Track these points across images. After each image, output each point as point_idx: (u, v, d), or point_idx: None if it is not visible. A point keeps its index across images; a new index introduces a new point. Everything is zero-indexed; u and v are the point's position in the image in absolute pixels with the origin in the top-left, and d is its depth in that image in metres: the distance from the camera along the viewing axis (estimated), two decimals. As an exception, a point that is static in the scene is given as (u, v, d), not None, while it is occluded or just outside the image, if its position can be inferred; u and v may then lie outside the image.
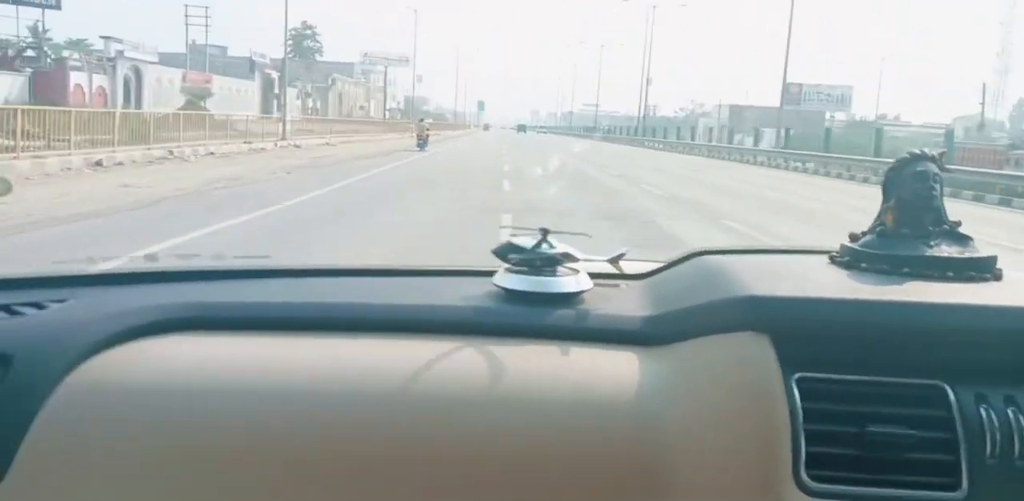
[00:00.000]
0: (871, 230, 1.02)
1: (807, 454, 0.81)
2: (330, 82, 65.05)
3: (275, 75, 48.29)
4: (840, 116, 66.91)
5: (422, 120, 37.56)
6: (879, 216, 1.02)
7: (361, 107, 70.29)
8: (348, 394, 0.85)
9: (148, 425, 0.84)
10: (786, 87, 48.80)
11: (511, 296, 1.01)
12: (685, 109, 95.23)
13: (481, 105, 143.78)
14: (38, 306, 0.98)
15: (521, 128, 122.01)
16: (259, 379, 0.87)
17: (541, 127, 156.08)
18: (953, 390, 0.83)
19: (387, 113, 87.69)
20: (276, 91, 46.99)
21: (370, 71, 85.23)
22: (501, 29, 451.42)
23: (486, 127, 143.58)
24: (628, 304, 1.01)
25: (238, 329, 0.95)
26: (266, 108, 47.12)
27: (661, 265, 1.14)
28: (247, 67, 50.87)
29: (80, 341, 0.89)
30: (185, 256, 1.54)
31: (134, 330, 0.92)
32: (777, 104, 48.35)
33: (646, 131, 74.14)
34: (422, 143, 32.42)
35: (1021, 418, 0.81)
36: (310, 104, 61.44)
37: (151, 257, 1.87)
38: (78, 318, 0.95)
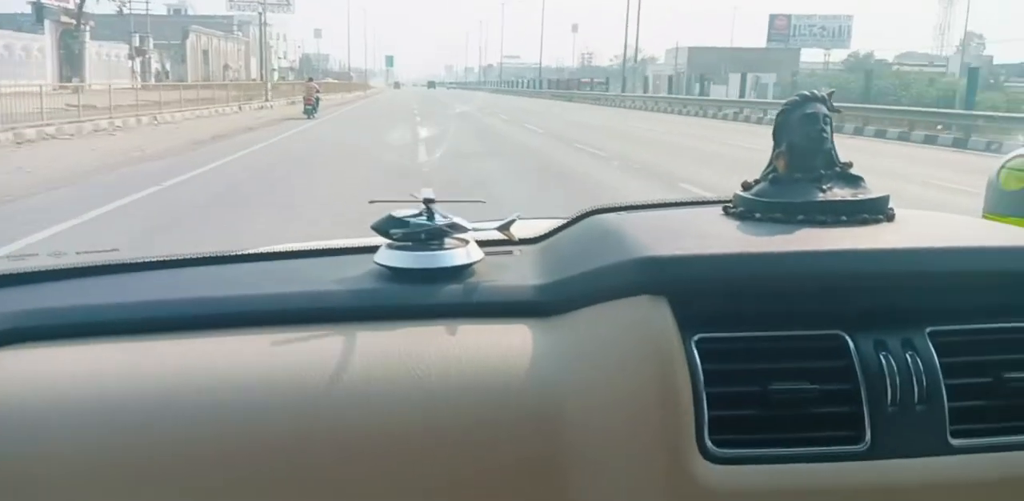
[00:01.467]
0: (763, 177, 0.99)
1: (710, 418, 0.79)
2: (185, 36, 51.92)
3: (84, 28, 35.17)
4: (839, 54, 57.60)
5: (310, 79, 29.71)
6: (770, 162, 0.99)
7: (227, 66, 56.66)
8: (220, 397, 0.78)
9: None
10: (771, 21, 38.67)
11: (396, 274, 0.93)
12: (619, 57, 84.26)
13: (390, 61, 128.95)
14: None
15: (431, 84, 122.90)
16: (111, 392, 0.78)
17: (451, 83, 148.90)
18: (853, 339, 0.83)
19: (274, 73, 74.61)
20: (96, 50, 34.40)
21: (249, 23, 71.72)
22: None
23: (396, 85, 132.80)
24: (521, 273, 0.96)
25: (86, 336, 0.85)
26: (68, 73, 34.07)
27: (554, 228, 1.09)
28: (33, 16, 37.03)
29: None
30: (18, 257, 1.23)
31: None
32: (751, 45, 38.09)
33: (578, 84, 63.99)
34: (310, 109, 25.36)
35: (919, 362, 0.81)
36: (156, 66, 48.29)
37: None
38: None
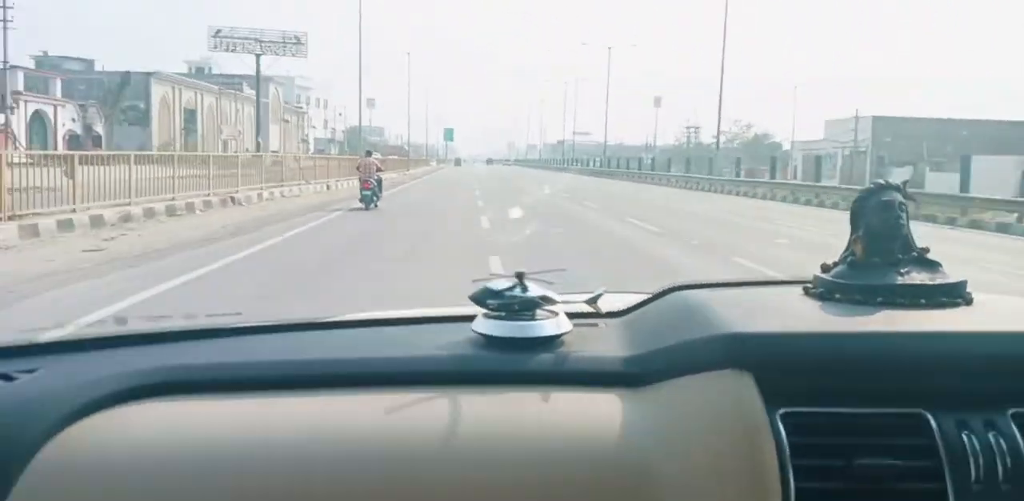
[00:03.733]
0: (842, 260, 1.03)
1: (796, 490, 0.81)
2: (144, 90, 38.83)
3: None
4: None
5: (369, 153, 21.78)
6: (848, 246, 1.03)
7: (227, 136, 43.37)
8: (333, 453, 0.83)
9: (128, 497, 0.81)
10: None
11: (491, 342, 0.99)
12: (726, 132, 69.86)
13: (449, 134, 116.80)
14: (6, 378, 0.94)
15: (489, 161, 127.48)
16: (240, 442, 0.85)
17: (506, 160, 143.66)
18: (935, 417, 0.85)
19: (305, 145, 62.38)
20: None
21: (281, 83, 59.84)
22: (468, 58, 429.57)
23: (457, 162, 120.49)
24: (609, 344, 1.00)
25: (214, 391, 0.93)
26: None
27: (638, 302, 1.13)
28: None
29: (52, 412, 0.86)
30: (156, 317, 1.37)
31: (108, 398, 0.89)
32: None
33: (661, 165, 50.06)
34: (368, 195, 18.27)
35: (1002, 442, 0.83)
36: (70, 128, 34.92)
37: (121, 320, 1.66)
38: (49, 388, 0.91)
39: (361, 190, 18.60)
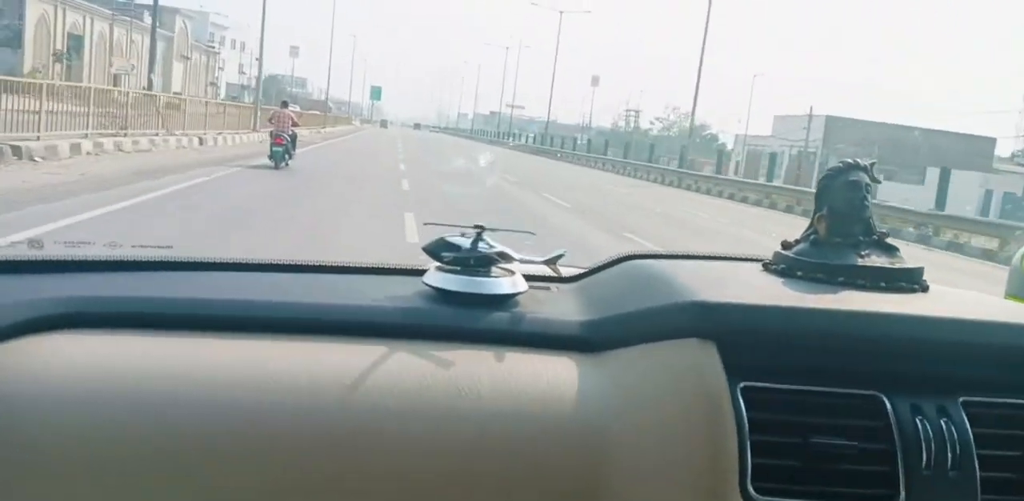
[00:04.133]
0: (804, 238, 1.04)
1: (753, 465, 0.81)
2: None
3: None
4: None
5: (284, 104, 18.57)
6: (811, 224, 1.03)
7: (117, 69, 37.42)
8: (262, 402, 0.79)
9: (24, 435, 0.76)
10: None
11: (442, 296, 0.97)
12: (663, 120, 66.97)
13: (376, 93, 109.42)
14: None
15: (416, 126, 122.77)
16: (162, 384, 0.80)
17: (434, 127, 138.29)
18: (890, 401, 0.86)
19: (215, 90, 56.67)
20: None
21: (190, 17, 53.74)
22: (397, 15, 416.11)
23: (383, 123, 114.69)
24: (565, 307, 0.99)
25: (133, 327, 0.87)
26: None
27: (592, 267, 1.12)
28: None
29: None
30: (74, 244, 1.23)
31: (15, 327, 0.84)
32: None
33: (597, 147, 47.26)
34: (279, 152, 15.72)
35: (953, 429, 0.84)
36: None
37: (36, 243, 1.38)
38: None
39: (272, 145, 16.12)
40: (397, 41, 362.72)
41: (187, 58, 54.06)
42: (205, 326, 0.88)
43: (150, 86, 27.40)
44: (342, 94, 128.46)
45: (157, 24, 46.77)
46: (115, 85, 36.03)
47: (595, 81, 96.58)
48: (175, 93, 46.55)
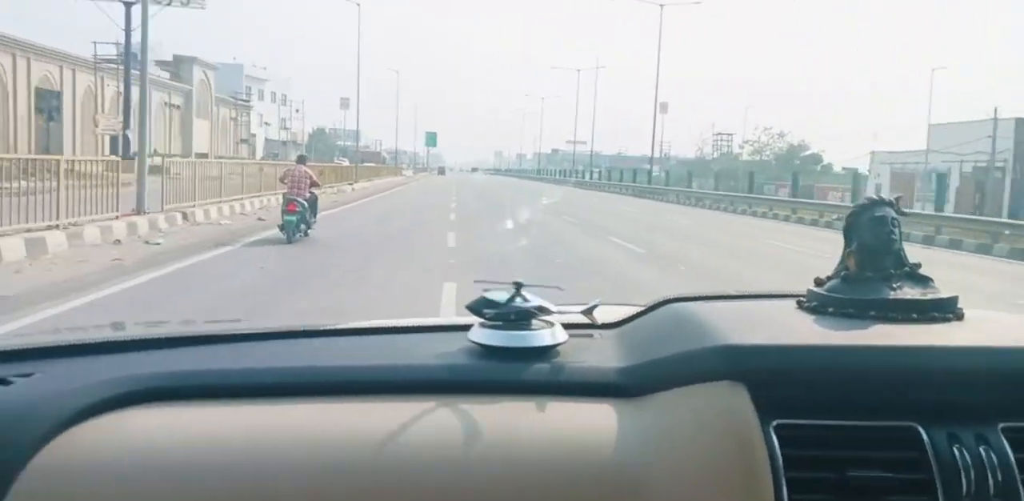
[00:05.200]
0: (835, 274, 1.04)
1: None
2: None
3: None
4: None
5: (302, 160, 13.92)
6: (842, 260, 1.05)
7: (104, 128, 30.38)
8: (328, 461, 0.84)
9: None
10: None
11: (487, 352, 1.00)
12: (753, 142, 57.88)
13: (431, 138, 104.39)
14: (3, 382, 0.94)
15: (474, 170, 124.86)
16: (234, 449, 0.85)
17: (492, 169, 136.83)
18: (926, 431, 0.86)
19: (246, 146, 51.52)
20: None
21: (214, 69, 48.57)
22: (456, 60, 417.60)
23: (441, 170, 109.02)
24: (603, 355, 1.01)
25: (211, 397, 0.93)
26: None
27: (633, 313, 1.14)
28: None
29: (48, 417, 0.86)
30: (154, 323, 1.33)
31: (104, 403, 0.89)
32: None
33: (678, 179, 39.37)
34: (294, 221, 12.15)
35: (993, 456, 0.84)
36: None
37: (118, 325, 1.49)
38: (46, 392, 0.91)
39: (283, 213, 12.38)
40: (452, 88, 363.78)
41: (231, 119, 48.73)
42: (271, 393, 0.92)
43: (123, 147, 21.01)
44: (401, 144, 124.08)
45: (159, 74, 41.43)
46: (98, 147, 29.90)
47: (664, 108, 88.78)
48: (199, 154, 41.12)
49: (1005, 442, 0.85)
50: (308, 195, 12.75)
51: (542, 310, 1.02)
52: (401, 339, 1.13)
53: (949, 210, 25.58)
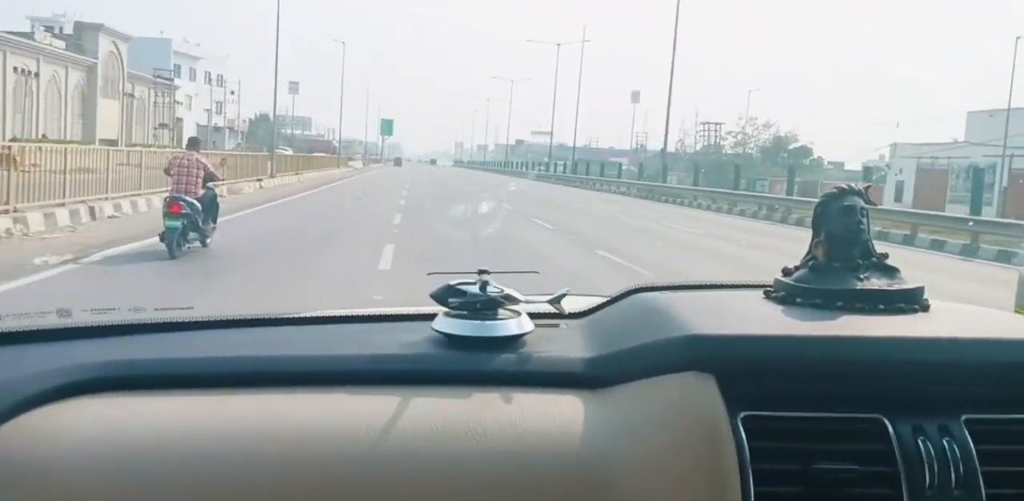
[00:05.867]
0: (803, 264, 1.04)
1: (756, 494, 0.82)
2: None
3: None
4: None
5: (194, 144, 10.32)
6: (810, 250, 1.05)
7: None
8: (286, 454, 0.82)
9: (68, 497, 0.79)
10: None
11: (452, 341, 0.99)
12: (736, 134, 52.57)
13: (387, 126, 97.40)
14: None
15: (433, 162, 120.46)
16: (186, 442, 0.83)
17: (458, 161, 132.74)
18: (892, 423, 0.86)
19: (166, 132, 45.16)
20: None
21: (125, 39, 42.16)
22: (408, 45, 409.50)
23: (398, 161, 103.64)
24: (570, 345, 1.01)
25: (162, 387, 0.90)
26: None
27: (600, 302, 1.13)
28: None
29: None
30: (101, 310, 1.29)
31: (50, 393, 0.87)
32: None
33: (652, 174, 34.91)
34: (176, 228, 8.68)
35: (956, 448, 0.85)
36: None
37: (64, 312, 1.43)
38: None
39: (165, 216, 8.84)
40: (409, 75, 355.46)
41: (130, 95, 42.03)
42: (225, 383, 0.90)
43: None
44: (356, 133, 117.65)
45: (52, 43, 35.06)
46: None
47: (635, 97, 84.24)
48: (106, 140, 34.90)
49: (967, 434, 0.86)
50: (202, 192, 9.50)
51: (508, 299, 1.01)
52: (363, 328, 1.11)
53: (991, 214, 20.96)
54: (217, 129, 60.08)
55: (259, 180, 25.22)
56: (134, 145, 35.33)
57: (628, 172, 45.93)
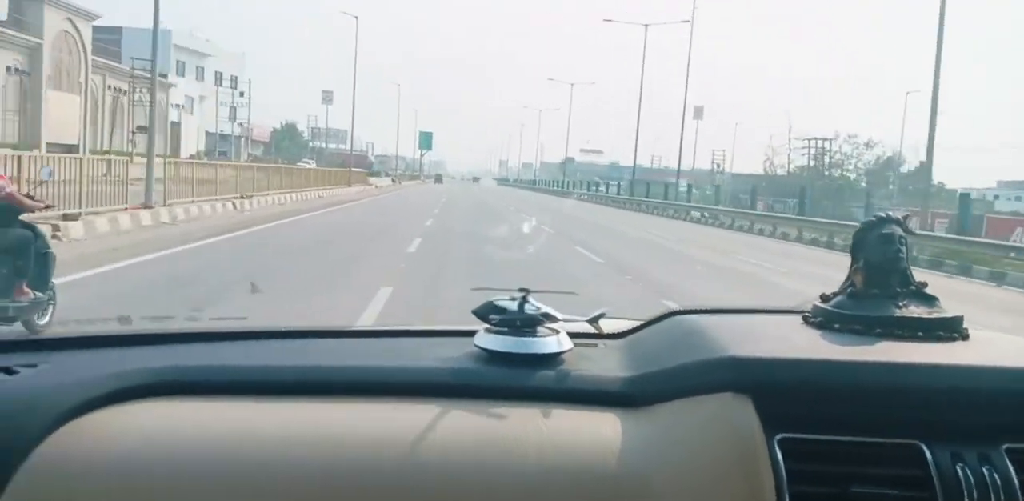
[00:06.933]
0: (842, 291, 1.05)
1: None
2: None
3: None
4: None
5: None
6: (848, 277, 1.06)
7: None
8: (331, 461, 0.84)
9: (124, 496, 0.82)
10: None
11: (492, 357, 1.00)
12: (787, 157, 42.42)
13: (426, 139, 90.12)
14: (8, 371, 0.95)
15: (476, 179, 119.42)
16: (239, 446, 0.86)
17: (503, 179, 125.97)
18: (930, 449, 0.86)
19: (141, 136, 37.70)
20: None
21: (92, 17, 34.91)
22: (451, 58, 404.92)
23: (438, 178, 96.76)
24: (608, 364, 1.02)
25: (216, 393, 0.94)
26: None
27: (638, 324, 1.15)
28: None
29: (52, 408, 0.87)
30: (160, 318, 1.44)
31: (109, 396, 0.90)
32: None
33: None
34: None
35: (996, 477, 0.84)
36: None
37: (124, 319, 1.47)
38: (50, 384, 0.92)
39: None
40: (453, 92, 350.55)
41: (119, 91, 34.57)
42: (274, 391, 0.93)
43: None
44: (402, 150, 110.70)
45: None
46: None
47: (698, 113, 75.45)
48: (59, 145, 27.55)
49: (1009, 463, 0.85)
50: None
51: (548, 317, 1.03)
52: (407, 342, 1.15)
53: None
54: (224, 137, 52.79)
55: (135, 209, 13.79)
56: (105, 152, 27.89)
57: (694, 194, 37.49)
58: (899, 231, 1.03)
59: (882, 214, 1.06)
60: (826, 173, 40.80)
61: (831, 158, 42.66)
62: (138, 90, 36.82)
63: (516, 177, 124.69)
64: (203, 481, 0.81)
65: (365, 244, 13.18)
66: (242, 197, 20.05)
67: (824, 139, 42.30)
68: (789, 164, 43.70)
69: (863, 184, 39.89)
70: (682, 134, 41.02)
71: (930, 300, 1.02)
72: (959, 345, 0.97)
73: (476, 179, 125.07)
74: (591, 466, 0.83)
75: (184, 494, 0.81)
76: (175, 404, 0.91)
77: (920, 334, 0.97)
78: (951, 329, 0.99)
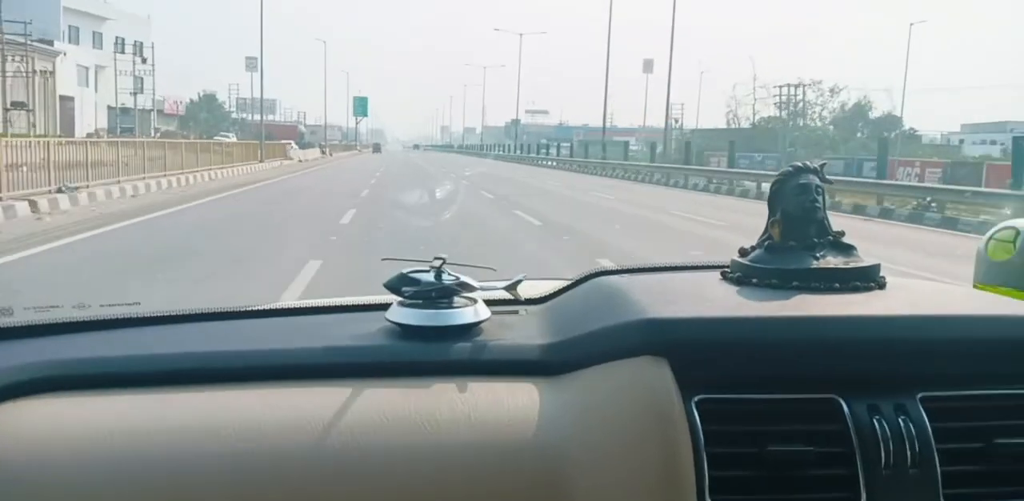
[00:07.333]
0: (759, 244, 1.04)
1: (710, 478, 0.82)
2: None
3: None
4: None
5: None
6: (766, 230, 1.04)
7: None
8: (240, 449, 0.81)
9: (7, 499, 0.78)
10: None
11: (406, 332, 0.98)
12: (752, 108, 39.29)
13: (361, 105, 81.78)
14: None
15: (416, 147, 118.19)
16: (136, 441, 0.81)
17: (448, 146, 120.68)
18: (847, 403, 0.86)
19: (24, 115, 32.59)
20: None
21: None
22: (386, 24, 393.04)
23: (376, 148, 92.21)
24: (527, 332, 1.00)
25: (109, 386, 0.88)
26: None
27: (558, 289, 1.13)
28: None
29: None
30: (43, 308, 1.25)
31: None
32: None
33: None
34: None
35: (911, 426, 0.85)
36: None
37: (5, 310, 1.37)
38: None
39: None
40: (390, 49, 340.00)
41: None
42: (173, 380, 0.89)
43: None
44: (337, 118, 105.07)
45: None
46: None
47: (648, 66, 72.04)
48: None
49: (923, 412, 0.86)
50: None
51: (464, 287, 0.99)
52: (315, 320, 1.10)
53: None
54: (126, 111, 47.43)
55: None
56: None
57: (642, 153, 34.40)
58: (816, 181, 1.01)
59: (799, 164, 1.03)
60: (801, 123, 37.94)
61: (795, 107, 39.77)
62: (13, 59, 31.75)
63: (461, 143, 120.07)
64: (97, 481, 0.77)
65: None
66: (60, 190, 13.41)
67: (796, 85, 39.24)
68: (754, 115, 40.70)
69: (830, 133, 37.16)
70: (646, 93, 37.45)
71: (847, 250, 1.01)
72: (876, 294, 0.97)
73: (417, 146, 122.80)
74: (509, 439, 0.82)
75: (78, 495, 0.76)
76: (65, 400, 0.85)
77: (837, 285, 0.97)
78: (867, 278, 0.99)
